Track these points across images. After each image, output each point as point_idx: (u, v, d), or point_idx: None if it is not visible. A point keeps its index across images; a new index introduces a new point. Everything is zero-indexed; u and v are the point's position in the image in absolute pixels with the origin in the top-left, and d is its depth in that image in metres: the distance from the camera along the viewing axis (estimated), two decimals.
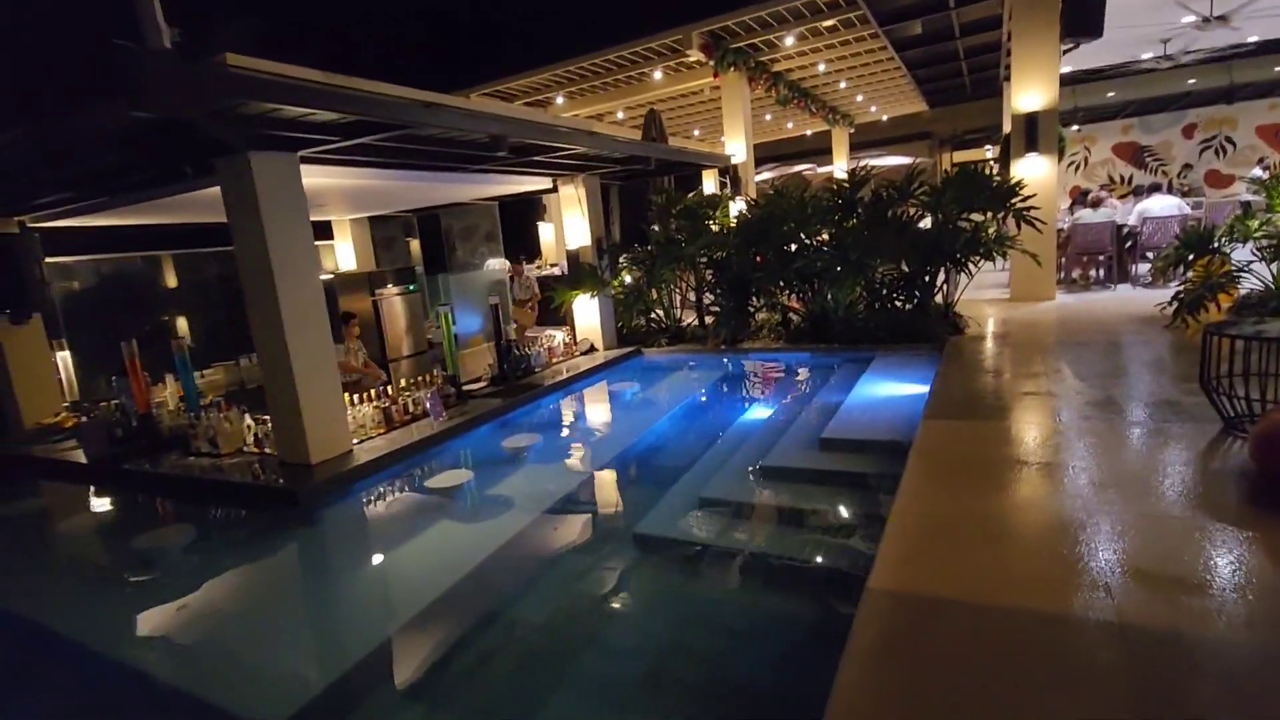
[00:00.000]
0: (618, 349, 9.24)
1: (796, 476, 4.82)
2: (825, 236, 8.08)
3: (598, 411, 7.58)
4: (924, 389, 5.86)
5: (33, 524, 5.79)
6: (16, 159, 4.98)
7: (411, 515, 5.16)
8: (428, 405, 6.26)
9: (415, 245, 14.59)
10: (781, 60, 11.65)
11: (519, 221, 12.10)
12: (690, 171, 10.47)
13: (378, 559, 4.62)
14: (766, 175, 21.10)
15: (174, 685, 3.29)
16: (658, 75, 11.40)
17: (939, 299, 8.18)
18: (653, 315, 9.70)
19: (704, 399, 7.62)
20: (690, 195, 9.52)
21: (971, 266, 7.67)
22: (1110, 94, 17.10)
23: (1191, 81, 16.30)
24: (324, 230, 11.29)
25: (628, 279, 9.60)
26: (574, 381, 8.03)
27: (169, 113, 3.44)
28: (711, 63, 10.51)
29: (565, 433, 6.74)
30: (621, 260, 9.50)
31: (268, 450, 5.75)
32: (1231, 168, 16.37)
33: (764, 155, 23.28)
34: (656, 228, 9.44)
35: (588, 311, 9.20)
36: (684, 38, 10.10)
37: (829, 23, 10.32)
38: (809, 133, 19.89)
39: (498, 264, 13.01)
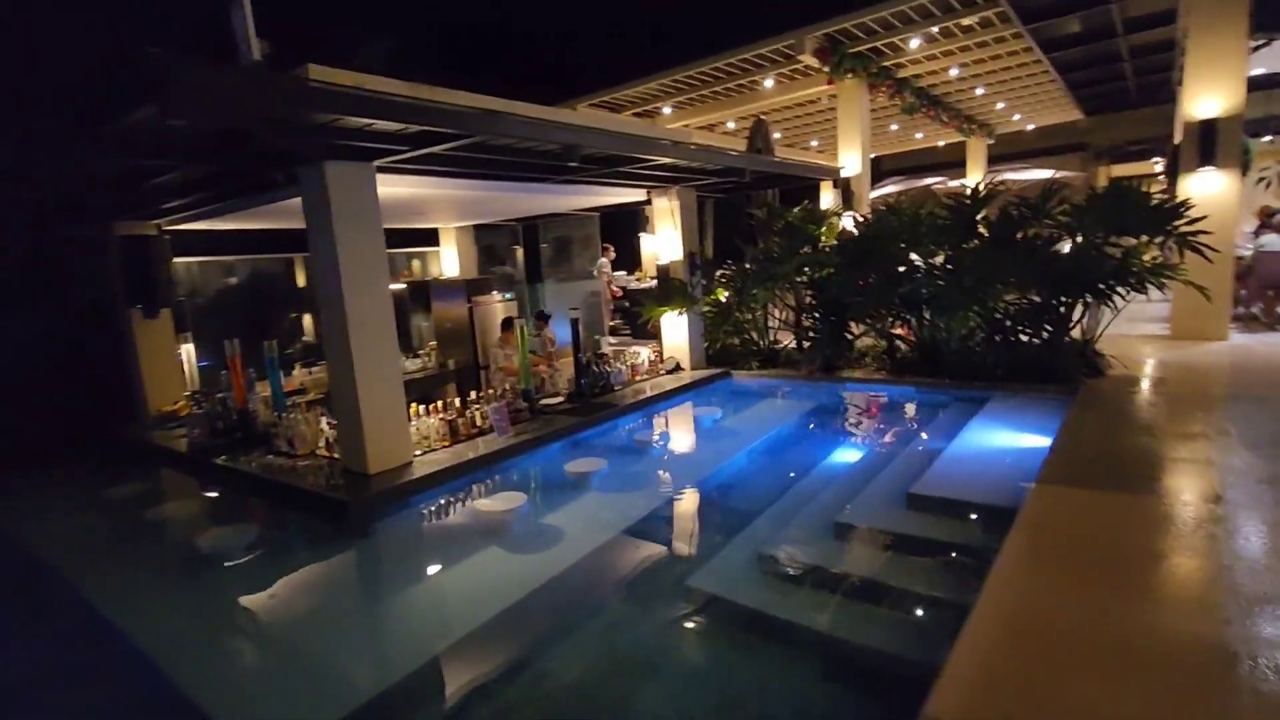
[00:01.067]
0: (705, 370, 8.77)
1: (874, 539, 4.16)
2: (940, 258, 7.22)
3: (672, 438, 7.13)
4: (1045, 442, 4.98)
5: (118, 509, 6.06)
6: (113, 166, 5.31)
7: (457, 538, 4.97)
8: (493, 420, 6.11)
9: (520, 254, 14.87)
10: (907, 65, 10.74)
11: (620, 231, 11.94)
12: (797, 185, 9.83)
13: (411, 587, 4.44)
14: (890, 189, 19.84)
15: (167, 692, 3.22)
16: (769, 83, 10.85)
17: (1075, 334, 7.08)
18: (746, 336, 9.15)
19: (789, 433, 6.98)
20: (796, 210, 8.90)
21: (1119, 298, 6.55)
22: None
23: None
24: (430, 237, 11.65)
25: (723, 297, 9.13)
26: (653, 402, 7.65)
27: (202, 121, 3.42)
28: (826, 69, 9.83)
29: (633, 460, 6.35)
30: (718, 276, 9.04)
31: (336, 455, 5.80)
32: None
33: (891, 168, 21.99)
34: (761, 243, 8.89)
35: (676, 329, 8.80)
36: (796, 43, 9.50)
37: (965, 22, 9.35)
38: (941, 143, 18.46)
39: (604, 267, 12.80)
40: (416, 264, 12.82)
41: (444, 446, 5.94)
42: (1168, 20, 9.97)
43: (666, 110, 12.12)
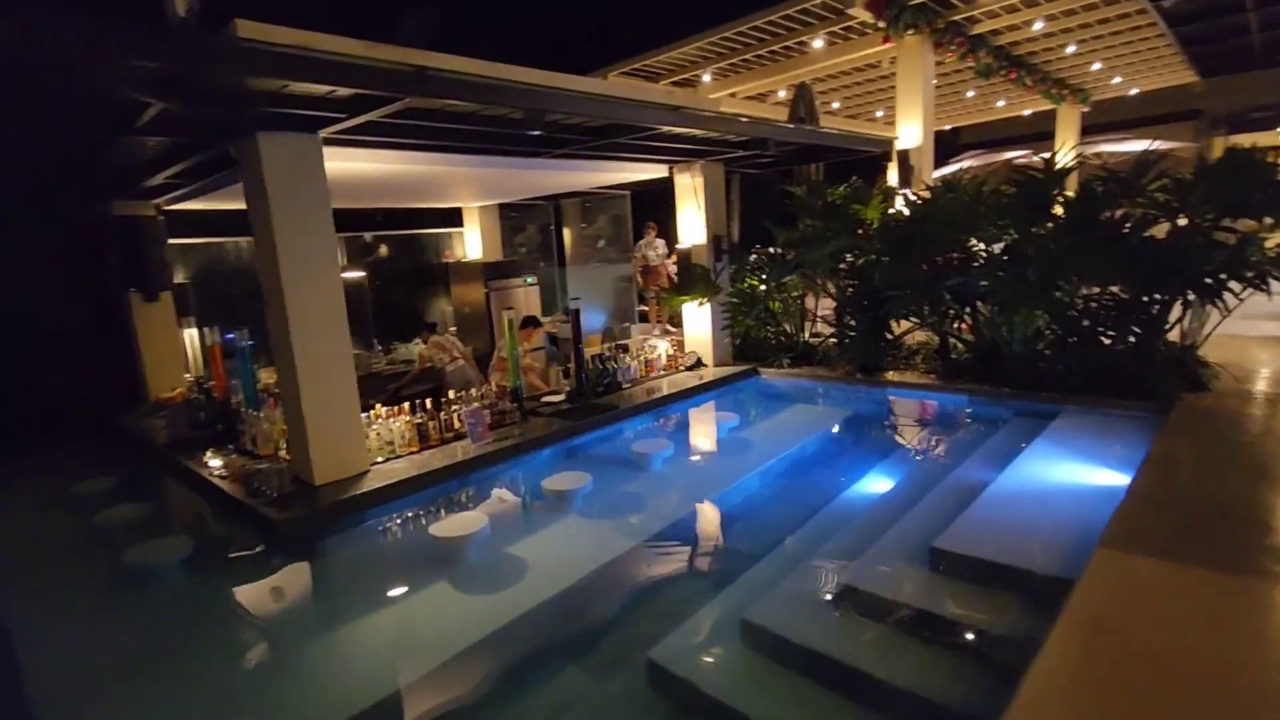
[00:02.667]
0: (730, 366, 7.87)
1: (880, 609, 3.25)
2: (1001, 245, 6.06)
3: (675, 451, 6.01)
4: (1123, 479, 3.92)
5: (75, 507, 5.43)
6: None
7: (400, 568, 4.33)
8: (467, 424, 5.45)
9: (565, 234, 14.16)
10: (982, 18, 9.34)
11: (652, 212, 11.06)
12: (847, 159, 8.69)
13: (335, 630, 3.82)
14: (967, 163, 18.12)
15: None
16: (818, 44, 9.67)
17: (1174, 337, 5.82)
18: (780, 328, 8.19)
19: (811, 451, 6.02)
20: (843, 187, 7.80)
21: (1231, 295, 5.27)
22: None
23: None
24: (455, 217, 11.10)
25: (752, 285, 8.18)
26: (663, 404, 6.84)
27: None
28: (882, 24, 8.60)
29: (624, 477, 5.50)
30: (749, 262, 8.10)
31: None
32: None
33: (970, 141, 20.08)
34: (800, 226, 7.87)
35: (698, 320, 7.92)
36: None
37: None
38: (1028, 112, 16.59)
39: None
40: (459, 247, 12.29)
41: (413, 452, 5.34)
42: None
43: (706, 78, 11.09)
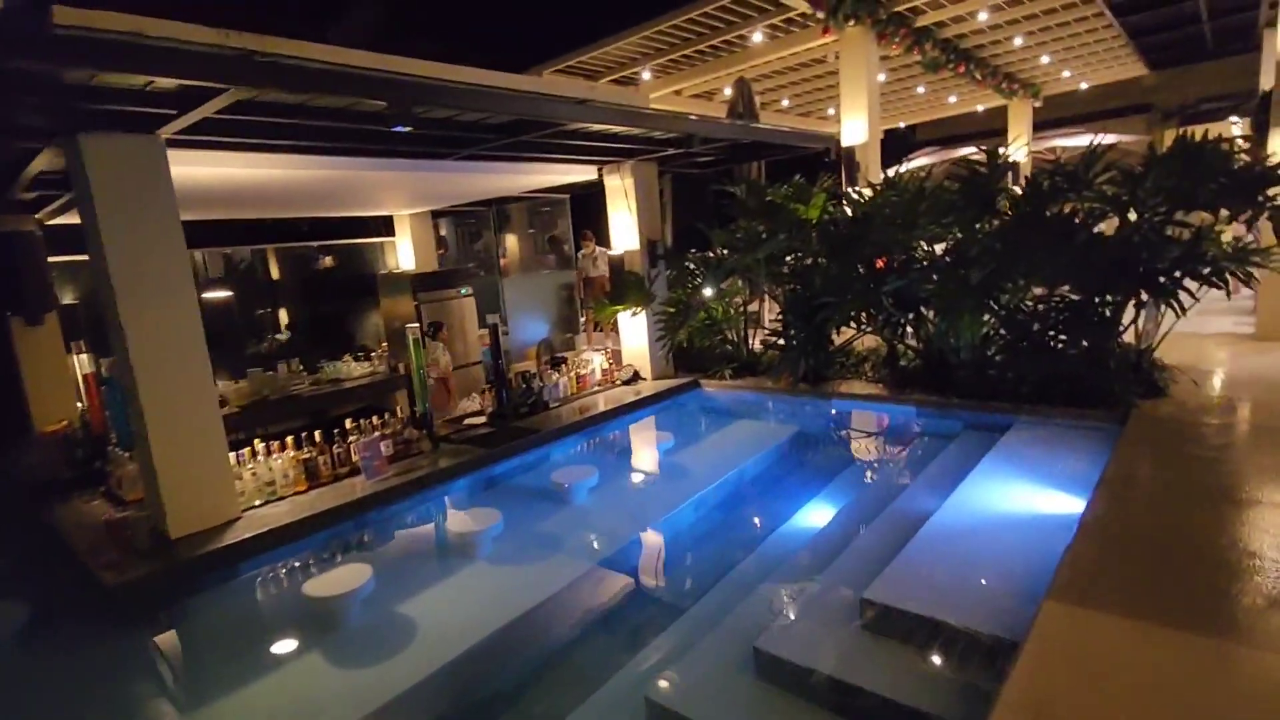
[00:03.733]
0: (670, 379, 7.36)
1: (801, 685, 2.75)
2: (946, 244, 5.65)
3: (601, 479, 5.29)
4: (1076, 505, 3.50)
5: None
6: None
7: (253, 641, 3.74)
8: (361, 458, 4.86)
9: (509, 241, 13.54)
10: (927, 9, 9.00)
11: (595, 218, 10.54)
12: (784, 157, 8.24)
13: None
14: (923, 161, 17.94)
15: None
16: (758, 38, 9.24)
17: (1128, 339, 5.47)
18: (722, 337, 7.72)
19: (750, 475, 5.53)
20: (784, 186, 7.36)
21: (1187, 294, 4.91)
22: None
23: None
24: (387, 225, 10.46)
25: (707, 292, 7.67)
26: (592, 425, 6.30)
27: None
28: (821, 15, 8.19)
29: (540, 513, 4.90)
30: (686, 266, 7.61)
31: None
32: None
33: (926, 138, 19.94)
34: (739, 227, 7.40)
35: (634, 331, 7.41)
36: None
37: None
38: (981, 108, 16.42)
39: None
40: (391, 257, 11.63)
41: (298, 492, 4.73)
42: None
43: (646, 75, 10.60)
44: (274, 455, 4.73)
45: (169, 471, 4.03)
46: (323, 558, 4.37)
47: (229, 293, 10.34)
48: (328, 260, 11.73)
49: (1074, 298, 5.23)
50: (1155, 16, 11.40)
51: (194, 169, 4.74)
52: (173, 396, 4.04)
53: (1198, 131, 4.95)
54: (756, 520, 4.76)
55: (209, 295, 9.84)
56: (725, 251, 6.95)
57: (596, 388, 7.16)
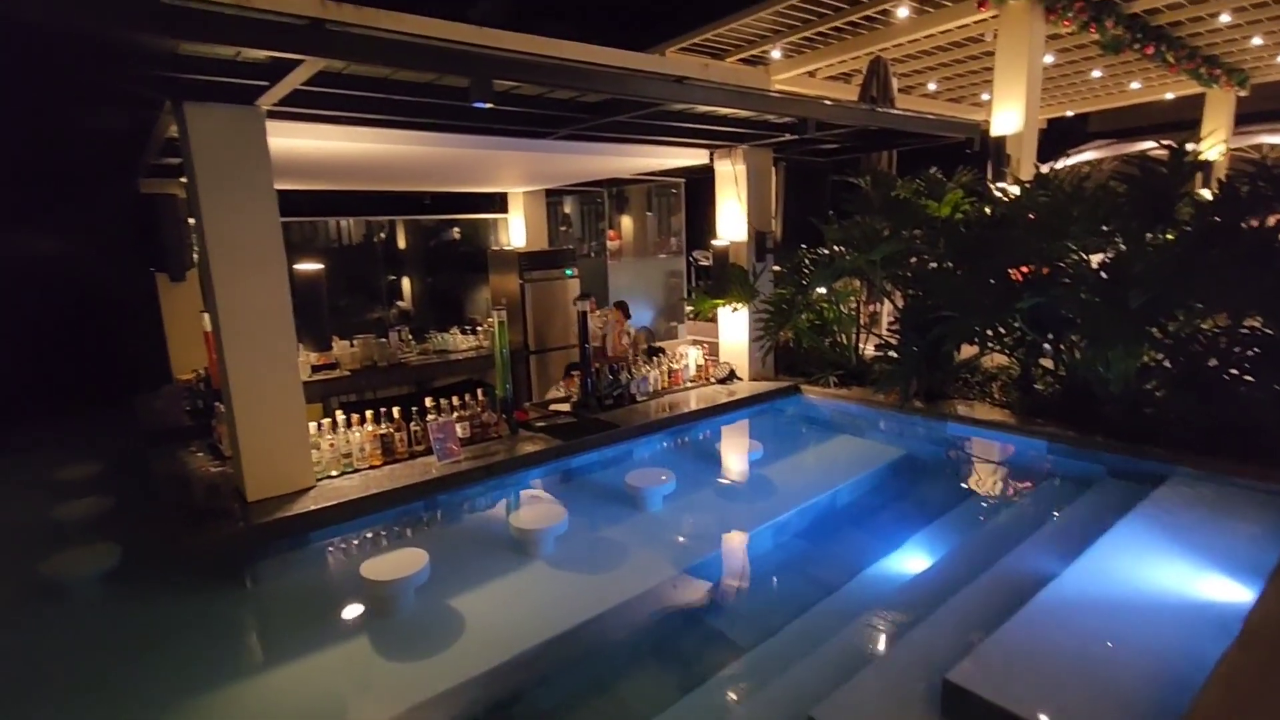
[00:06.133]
0: (769, 382, 6.88)
1: None
2: (1104, 256, 4.76)
3: (678, 487, 4.84)
4: (1243, 596, 2.78)
5: (40, 497, 5.06)
6: None
7: (321, 610, 3.77)
8: (432, 439, 4.82)
9: (624, 222, 13.42)
10: None
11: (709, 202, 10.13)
12: (922, 145, 7.42)
13: (231, 684, 3.27)
14: (1089, 155, 15.99)
15: None
16: (903, 12, 8.35)
17: None
18: (837, 339, 7.11)
19: (843, 502, 4.98)
20: (915, 180, 6.61)
21: None
22: None
23: None
24: (502, 202, 10.59)
25: (818, 291, 7.08)
26: (678, 424, 5.97)
27: None
28: None
29: (608, 517, 4.58)
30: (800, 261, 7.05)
31: None
32: None
33: (1099, 129, 17.69)
34: (853, 223, 6.75)
35: (734, 327, 6.99)
36: None
37: None
38: (1169, 96, 14.27)
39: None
40: (504, 234, 11.84)
41: (372, 466, 4.78)
42: None
43: (776, 54, 9.94)
44: (353, 428, 4.80)
45: (249, 436, 4.15)
46: (385, 536, 4.37)
47: (362, 258, 10.91)
48: (455, 233, 12.13)
49: (1267, 331, 4.25)
50: None
51: (301, 141, 4.84)
52: (256, 363, 4.15)
53: None
54: (841, 557, 4.26)
55: (345, 259, 10.42)
56: (839, 249, 6.34)
57: (689, 384, 6.82)
